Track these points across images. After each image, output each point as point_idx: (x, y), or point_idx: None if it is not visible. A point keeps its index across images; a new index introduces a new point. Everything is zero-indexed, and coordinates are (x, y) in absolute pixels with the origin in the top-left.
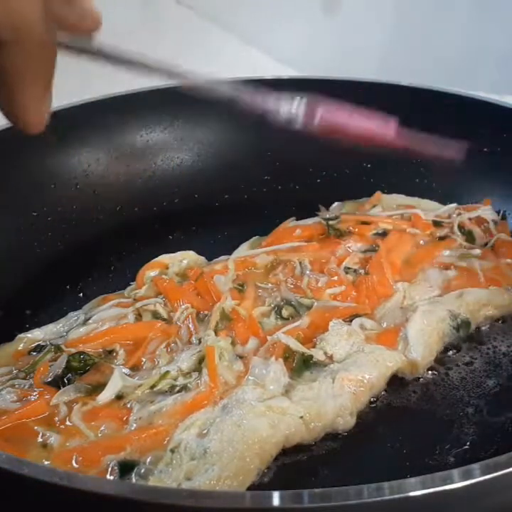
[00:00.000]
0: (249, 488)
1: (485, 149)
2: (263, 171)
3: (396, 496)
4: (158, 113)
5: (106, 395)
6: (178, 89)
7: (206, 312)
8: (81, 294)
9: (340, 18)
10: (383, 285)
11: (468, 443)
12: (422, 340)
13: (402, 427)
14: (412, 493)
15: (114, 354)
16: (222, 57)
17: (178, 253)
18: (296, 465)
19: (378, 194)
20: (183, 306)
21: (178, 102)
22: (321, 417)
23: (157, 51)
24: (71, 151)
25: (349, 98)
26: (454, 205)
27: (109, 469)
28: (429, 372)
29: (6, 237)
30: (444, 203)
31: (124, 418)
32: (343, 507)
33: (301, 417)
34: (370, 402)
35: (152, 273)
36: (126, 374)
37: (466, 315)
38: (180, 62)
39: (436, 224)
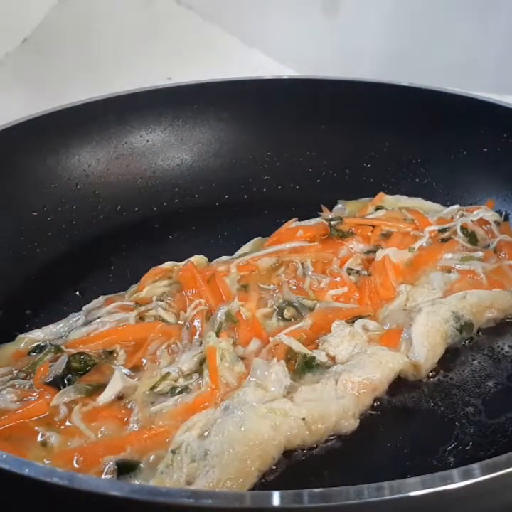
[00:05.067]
0: (249, 488)
1: (485, 149)
2: (263, 171)
3: (396, 496)
4: (158, 113)
5: (106, 396)
6: (178, 89)
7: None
8: (81, 294)
9: (340, 18)
10: (386, 287)
11: (468, 443)
12: (426, 342)
13: (402, 427)
14: (412, 493)
15: (115, 355)
16: (222, 57)
17: (186, 260)
18: (297, 465)
19: (381, 195)
20: (195, 302)
21: (178, 102)
22: (324, 419)
23: (157, 51)
24: (71, 151)
25: (349, 98)
26: (456, 206)
27: (109, 469)
28: (430, 372)
29: (6, 237)
30: (444, 202)
31: (125, 419)
32: (344, 507)
33: (303, 419)
34: (371, 402)
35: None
36: (126, 375)
37: (470, 317)
38: (181, 63)
39: (441, 230)
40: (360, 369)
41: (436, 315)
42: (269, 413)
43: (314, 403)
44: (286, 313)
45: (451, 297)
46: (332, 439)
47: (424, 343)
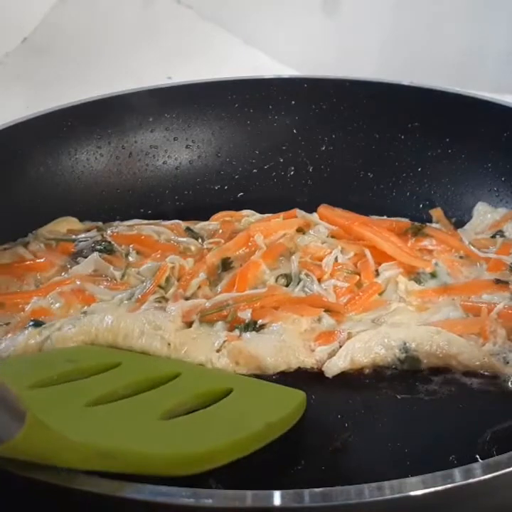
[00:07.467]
0: (249, 488)
1: (485, 149)
2: (263, 170)
3: (397, 496)
4: (158, 113)
5: (78, 268)
6: (178, 89)
7: None
8: None
9: (340, 18)
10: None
11: (469, 443)
12: (349, 358)
13: (402, 426)
14: (412, 493)
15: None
16: (222, 57)
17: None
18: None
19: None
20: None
21: (178, 102)
22: None
23: (157, 51)
24: (71, 150)
25: (349, 98)
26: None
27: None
28: (430, 372)
29: (5, 238)
30: (444, 202)
31: None
32: (344, 506)
33: None
34: (372, 401)
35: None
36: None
37: (422, 355)
38: (181, 63)
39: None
40: (255, 344)
41: (384, 337)
42: None
43: None
44: (280, 280)
45: (420, 327)
46: (332, 439)
47: (347, 359)
